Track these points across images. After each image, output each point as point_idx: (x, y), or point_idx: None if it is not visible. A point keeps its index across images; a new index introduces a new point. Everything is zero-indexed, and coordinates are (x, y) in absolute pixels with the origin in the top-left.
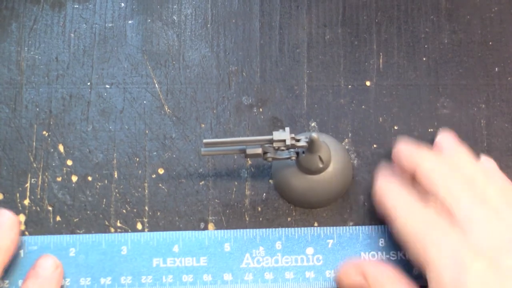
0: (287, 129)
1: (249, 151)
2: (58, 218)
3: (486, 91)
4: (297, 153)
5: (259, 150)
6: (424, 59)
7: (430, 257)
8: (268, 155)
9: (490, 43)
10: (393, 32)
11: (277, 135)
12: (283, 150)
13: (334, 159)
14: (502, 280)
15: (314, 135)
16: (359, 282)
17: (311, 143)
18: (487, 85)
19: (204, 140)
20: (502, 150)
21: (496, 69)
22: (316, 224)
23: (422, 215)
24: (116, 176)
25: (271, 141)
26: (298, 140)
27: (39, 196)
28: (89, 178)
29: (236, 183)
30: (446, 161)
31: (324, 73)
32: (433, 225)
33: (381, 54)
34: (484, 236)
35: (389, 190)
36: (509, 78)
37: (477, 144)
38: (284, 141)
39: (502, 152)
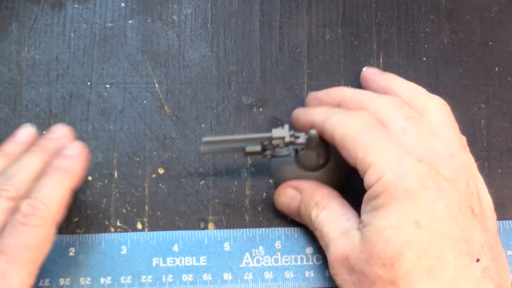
0: (286, 126)
1: (248, 148)
2: None
3: (486, 91)
4: (296, 150)
5: (258, 148)
6: (424, 59)
7: (372, 159)
8: (267, 152)
9: (490, 43)
10: (393, 32)
11: (277, 132)
12: (282, 147)
13: (333, 155)
14: (441, 186)
15: (313, 132)
16: (294, 195)
17: (310, 140)
18: (487, 85)
19: (204, 138)
20: (502, 150)
21: (496, 69)
22: None
23: (359, 118)
24: (116, 175)
25: (270, 139)
26: (297, 137)
27: None
28: (89, 178)
29: (236, 182)
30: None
31: (324, 72)
32: (372, 129)
33: (381, 54)
34: (420, 147)
35: (315, 108)
36: (509, 78)
37: (477, 144)
38: (283, 138)
39: (502, 152)
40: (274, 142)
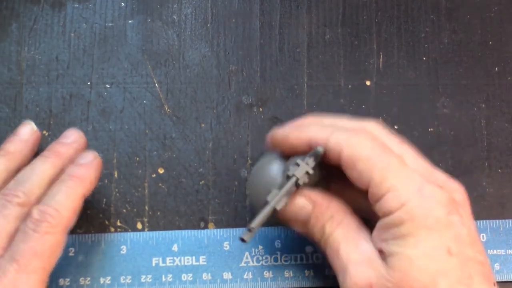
0: (297, 159)
1: (279, 206)
2: None
3: (486, 91)
4: (307, 172)
5: (286, 200)
6: (424, 59)
7: (392, 184)
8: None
9: (490, 43)
10: (393, 32)
11: (297, 171)
12: (307, 182)
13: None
14: (460, 212)
15: (321, 149)
16: (304, 205)
17: (317, 157)
18: (487, 85)
19: (250, 227)
20: (502, 150)
21: (496, 69)
22: None
23: (370, 137)
24: (116, 175)
25: (296, 182)
26: (308, 164)
27: None
28: None
29: (236, 183)
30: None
31: (324, 72)
32: (386, 150)
33: (381, 53)
34: (425, 172)
35: (308, 124)
36: (509, 78)
37: (477, 144)
38: (307, 172)
39: (502, 152)
40: (301, 181)
